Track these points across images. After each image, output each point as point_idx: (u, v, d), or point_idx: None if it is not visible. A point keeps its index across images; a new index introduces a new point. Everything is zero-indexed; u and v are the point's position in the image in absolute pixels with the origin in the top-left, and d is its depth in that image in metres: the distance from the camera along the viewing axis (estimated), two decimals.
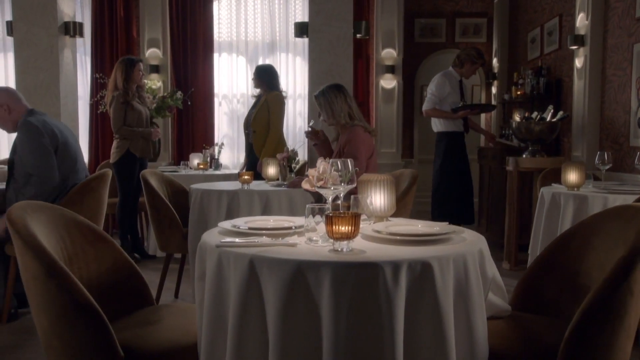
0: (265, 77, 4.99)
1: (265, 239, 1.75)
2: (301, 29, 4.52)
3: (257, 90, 5.14)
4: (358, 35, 4.53)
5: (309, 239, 1.74)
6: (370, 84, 6.91)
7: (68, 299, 1.62)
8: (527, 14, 6.88)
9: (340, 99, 3.86)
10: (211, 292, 1.66)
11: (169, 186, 4.07)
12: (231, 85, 6.92)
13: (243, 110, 6.91)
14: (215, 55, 6.80)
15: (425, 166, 7.71)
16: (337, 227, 1.60)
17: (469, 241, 1.78)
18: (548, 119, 5.02)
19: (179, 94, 6.19)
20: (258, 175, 4.28)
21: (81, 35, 4.57)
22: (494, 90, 7.72)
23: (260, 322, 1.55)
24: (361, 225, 1.96)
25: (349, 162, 1.94)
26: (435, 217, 5.78)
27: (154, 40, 6.72)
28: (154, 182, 3.80)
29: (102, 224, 3.68)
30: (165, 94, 6.32)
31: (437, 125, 5.79)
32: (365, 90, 6.84)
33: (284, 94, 5.05)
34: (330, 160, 1.95)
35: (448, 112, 5.59)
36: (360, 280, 1.49)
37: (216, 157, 5.79)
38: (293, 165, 4.10)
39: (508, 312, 1.95)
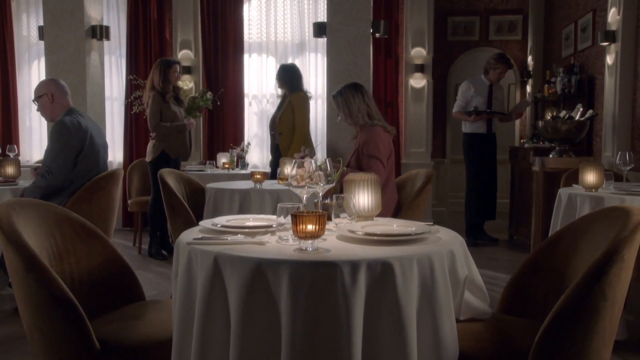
0: (288, 77, 5.02)
1: (239, 237, 1.78)
2: (320, 29, 4.54)
3: (280, 90, 5.18)
4: (377, 35, 4.50)
5: (280, 237, 1.76)
6: (400, 83, 6.87)
7: (46, 292, 1.69)
8: (562, 10, 6.70)
9: (358, 98, 3.84)
10: (181, 288, 1.70)
11: (187, 185, 4.15)
12: (261, 85, 7.00)
13: (273, 110, 6.96)
14: (246, 56, 6.89)
15: (458, 166, 7.62)
16: (302, 226, 1.61)
17: (441, 242, 1.76)
18: (577, 118, 4.88)
19: (209, 95, 6.30)
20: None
21: (107, 38, 4.72)
22: (528, 88, 7.54)
23: (223, 318, 1.58)
24: (342, 225, 1.97)
25: (328, 161, 1.95)
26: (466, 216, 5.94)
27: (186, 42, 6.87)
28: (170, 180, 3.88)
29: (114, 221, 3.78)
30: (196, 94, 6.45)
31: (462, 126, 5.96)
32: (394, 89, 6.79)
33: (309, 94, 5.07)
34: (311, 159, 1.96)
35: (467, 116, 5.82)
36: (317, 279, 1.50)
37: (243, 156, 5.88)
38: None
39: (488, 314, 1.91)
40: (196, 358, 1.60)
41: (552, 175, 5.07)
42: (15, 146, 4.93)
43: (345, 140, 4.41)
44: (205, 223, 1.98)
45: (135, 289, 2.19)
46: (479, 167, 5.90)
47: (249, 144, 5.99)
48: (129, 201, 5.90)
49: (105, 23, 6.73)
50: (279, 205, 1.76)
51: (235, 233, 1.84)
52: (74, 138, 3.54)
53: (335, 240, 1.79)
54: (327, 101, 4.62)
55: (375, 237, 1.72)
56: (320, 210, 1.66)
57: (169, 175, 3.93)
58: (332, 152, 4.53)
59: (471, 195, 5.96)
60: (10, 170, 4.04)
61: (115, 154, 7.02)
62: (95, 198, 3.63)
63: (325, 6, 6.62)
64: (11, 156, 4.62)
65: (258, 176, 3.78)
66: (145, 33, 6.78)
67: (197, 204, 4.03)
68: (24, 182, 3.92)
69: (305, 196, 1.91)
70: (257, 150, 6.99)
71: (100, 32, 4.60)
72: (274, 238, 1.79)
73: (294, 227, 1.62)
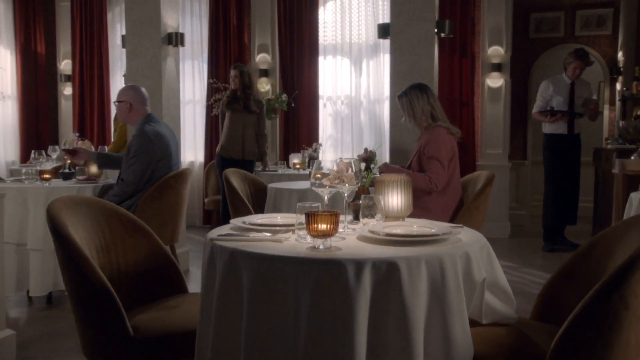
0: None
1: (262, 235, 1.86)
2: (384, 30, 4.54)
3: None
4: (442, 35, 4.43)
5: (299, 236, 1.81)
6: (476, 83, 6.71)
7: (85, 281, 1.84)
8: None
9: (422, 99, 3.80)
10: (204, 281, 1.80)
11: (251, 185, 4.31)
12: (335, 87, 7.08)
13: (347, 112, 7.05)
14: (320, 58, 7.00)
15: (539, 168, 7.31)
16: (314, 225, 1.66)
17: (459, 244, 1.74)
18: None
19: (283, 97, 6.49)
20: None
21: (182, 44, 4.97)
22: (618, 86, 7.12)
23: (237, 310, 1.65)
24: (368, 225, 1.99)
25: (354, 162, 1.98)
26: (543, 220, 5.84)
27: (264, 45, 7.08)
28: (234, 180, 4.04)
29: (184, 217, 3.97)
30: (272, 96, 6.65)
31: (542, 127, 5.83)
32: (469, 89, 6.64)
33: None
34: (339, 160, 2.00)
35: (544, 116, 5.67)
36: (322, 277, 1.54)
37: (315, 156, 5.98)
38: (372, 166, 4.13)
39: (513, 319, 1.86)
40: (213, 347, 1.69)
41: (633, 179, 4.77)
42: (105, 147, 5.30)
43: (408, 141, 4.38)
44: (236, 221, 2.07)
45: (177, 282, 2.32)
46: (558, 170, 5.67)
47: (320, 144, 6.08)
48: (205, 200, 6.18)
49: (189, 30, 7.13)
50: (298, 204, 1.81)
51: (260, 231, 1.92)
52: (155, 147, 3.74)
53: (353, 240, 1.82)
54: (391, 102, 4.60)
55: (388, 238, 1.74)
56: (334, 210, 1.70)
57: (233, 175, 4.10)
58: (396, 153, 4.51)
59: (548, 199, 5.74)
60: (93, 169, 4.36)
61: (197, 154, 7.37)
62: (165, 196, 3.83)
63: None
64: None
65: (318, 176, 3.84)
66: (225, 38, 7.07)
67: (262, 203, 4.17)
68: (105, 181, 4.21)
69: (326, 196, 1.95)
70: (332, 151, 7.09)
71: (175, 39, 4.86)
72: (294, 236, 1.85)
73: (308, 226, 1.67)
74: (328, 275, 1.54)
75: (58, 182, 4.03)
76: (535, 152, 7.42)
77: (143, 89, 3.91)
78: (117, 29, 7.81)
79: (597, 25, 7.29)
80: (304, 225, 1.83)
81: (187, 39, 6.24)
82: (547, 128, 5.69)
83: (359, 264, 1.53)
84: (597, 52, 7.23)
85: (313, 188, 1.98)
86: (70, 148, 4.04)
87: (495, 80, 6.62)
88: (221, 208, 5.52)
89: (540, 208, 6.03)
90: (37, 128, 7.91)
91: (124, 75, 5.58)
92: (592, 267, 1.91)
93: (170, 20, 4.86)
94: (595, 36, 7.31)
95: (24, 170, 4.16)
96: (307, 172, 5.67)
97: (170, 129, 4.03)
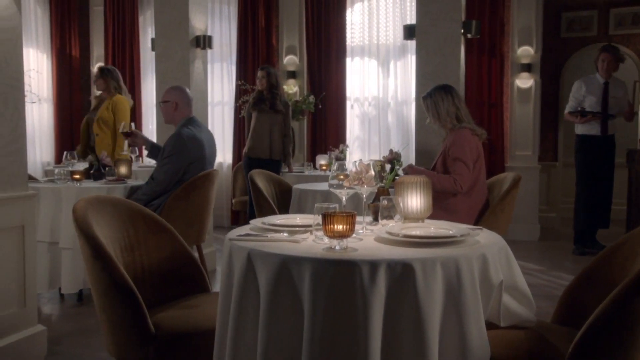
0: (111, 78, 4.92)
1: (280, 235, 1.88)
2: (409, 31, 4.53)
3: None
4: (469, 35, 4.40)
5: (316, 236, 1.83)
6: (505, 83, 6.63)
7: (109, 279, 1.89)
8: None
9: (447, 100, 3.79)
10: (222, 280, 1.83)
11: (277, 186, 4.34)
12: (363, 88, 7.08)
13: (375, 113, 7.04)
14: (348, 60, 7.00)
15: (571, 170, 7.18)
16: (331, 225, 1.68)
17: (476, 245, 1.74)
18: None
19: (311, 98, 6.51)
20: None
21: (210, 47, 5.04)
22: None
23: (255, 308, 1.68)
24: (387, 226, 1.99)
25: (372, 164, 1.99)
26: (574, 223, 5.75)
27: (292, 47, 7.13)
28: (260, 181, 4.08)
29: (210, 217, 4.03)
30: (300, 98, 6.69)
31: (574, 127, 5.74)
32: (498, 90, 6.57)
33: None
34: (358, 161, 2.01)
35: (574, 117, 5.62)
36: (337, 277, 1.55)
37: (341, 158, 5.98)
38: (397, 167, 4.13)
39: (532, 322, 1.85)
40: (231, 345, 1.71)
41: None
42: (136, 148, 5.38)
43: (433, 142, 4.36)
44: (256, 222, 2.09)
45: (200, 281, 2.36)
46: (590, 171, 5.57)
47: (347, 146, 6.09)
48: (233, 200, 6.24)
49: (217, 33, 7.22)
50: (316, 205, 1.82)
51: (278, 231, 1.94)
52: (189, 150, 3.81)
53: (370, 241, 1.83)
54: (416, 103, 4.59)
55: (404, 239, 1.74)
56: (350, 211, 1.71)
57: (258, 176, 4.14)
58: (421, 154, 4.50)
59: (580, 201, 5.64)
60: (123, 170, 4.45)
61: (225, 155, 7.44)
62: (192, 196, 3.89)
63: None
64: (133, 157, 5.03)
65: (341, 177, 3.85)
66: (254, 40, 7.14)
67: (287, 203, 4.20)
68: (134, 182, 4.30)
69: (344, 197, 1.96)
70: (359, 152, 7.08)
71: (203, 42, 4.93)
72: (312, 237, 1.87)
73: (324, 227, 1.68)
74: (343, 275, 1.55)
75: (89, 183, 4.13)
76: (567, 153, 7.29)
77: (188, 90, 3.99)
78: (148, 32, 7.94)
79: (632, 23, 7.12)
80: (322, 226, 1.85)
81: (216, 41, 6.32)
82: (580, 129, 5.60)
83: (373, 265, 1.54)
84: (632, 50, 7.07)
85: (331, 189, 1.99)
86: (129, 131, 4.16)
87: (524, 81, 6.54)
88: (248, 209, 5.57)
89: (571, 210, 5.93)
90: (71, 130, 8.08)
91: (100, 71, 5.01)
92: (615, 270, 1.88)
93: (199, 23, 4.93)
94: (630, 35, 7.14)
95: (56, 170, 4.28)
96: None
97: (210, 135, 4.10)
